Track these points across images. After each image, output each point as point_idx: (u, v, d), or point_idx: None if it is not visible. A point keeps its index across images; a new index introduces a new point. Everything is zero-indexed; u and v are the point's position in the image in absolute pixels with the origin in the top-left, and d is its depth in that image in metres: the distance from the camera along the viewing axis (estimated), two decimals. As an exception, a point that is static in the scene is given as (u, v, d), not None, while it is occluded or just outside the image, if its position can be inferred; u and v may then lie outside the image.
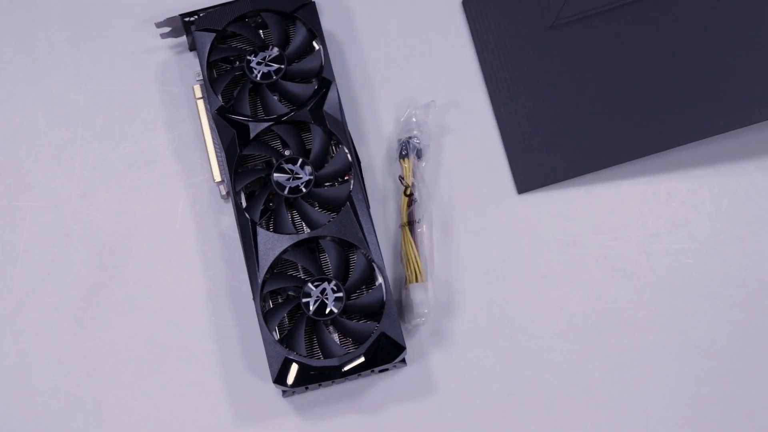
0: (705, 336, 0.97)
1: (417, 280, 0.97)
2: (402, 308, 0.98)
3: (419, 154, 1.01)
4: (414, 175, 1.00)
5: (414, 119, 1.02)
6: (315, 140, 0.99)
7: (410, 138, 1.01)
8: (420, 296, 0.96)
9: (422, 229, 0.99)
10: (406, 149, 1.01)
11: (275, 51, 1.01)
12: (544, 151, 1.01)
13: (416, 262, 0.98)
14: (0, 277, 1.01)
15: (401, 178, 1.00)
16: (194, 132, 1.04)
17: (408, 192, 1.00)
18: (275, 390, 0.96)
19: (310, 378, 0.93)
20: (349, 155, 0.99)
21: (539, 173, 1.01)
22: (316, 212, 0.97)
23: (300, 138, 0.99)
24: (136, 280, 1.00)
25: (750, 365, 0.96)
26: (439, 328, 0.98)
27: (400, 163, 1.01)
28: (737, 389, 0.96)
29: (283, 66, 1.00)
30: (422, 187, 1.00)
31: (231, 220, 1.01)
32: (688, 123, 0.97)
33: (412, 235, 0.99)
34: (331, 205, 0.98)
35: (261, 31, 1.04)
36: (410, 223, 0.99)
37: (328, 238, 0.96)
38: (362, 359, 0.93)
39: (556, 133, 1.01)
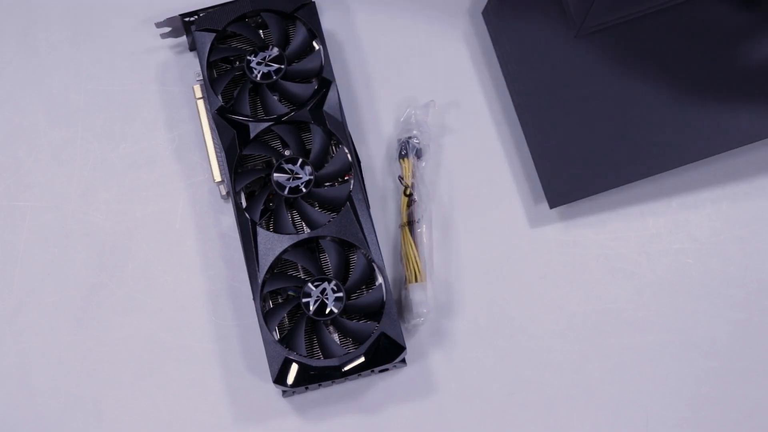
0: (705, 336, 0.97)
1: (416, 280, 0.97)
2: (401, 308, 0.98)
3: (419, 154, 1.01)
4: (414, 175, 1.00)
5: (414, 119, 1.02)
6: (315, 140, 0.99)
7: (410, 138, 1.01)
8: (419, 296, 0.96)
9: (422, 229, 0.99)
10: (406, 149, 1.01)
11: (275, 51, 1.01)
12: (576, 164, 0.99)
13: (416, 262, 0.98)
14: (0, 277, 1.01)
15: (401, 178, 1.00)
16: (194, 132, 1.04)
17: (408, 192, 1.00)
18: (275, 390, 0.96)
19: (310, 378, 0.93)
20: (349, 155, 0.99)
21: (571, 187, 0.99)
22: (316, 212, 0.97)
23: (300, 138, 0.99)
24: (136, 280, 1.00)
25: (750, 365, 0.96)
26: (439, 328, 0.98)
27: (400, 163, 1.01)
28: (737, 389, 0.96)
29: (283, 66, 1.00)
30: (422, 187, 1.00)
31: (231, 220, 1.01)
32: (720, 132, 0.96)
33: (411, 235, 0.99)
34: (331, 205, 0.98)
35: (261, 31, 1.04)
36: (410, 223, 0.99)
37: (328, 238, 0.96)
38: (362, 359, 0.93)
39: (587, 146, 0.99)
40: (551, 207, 0.99)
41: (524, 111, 1.02)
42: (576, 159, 1.00)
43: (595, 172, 0.99)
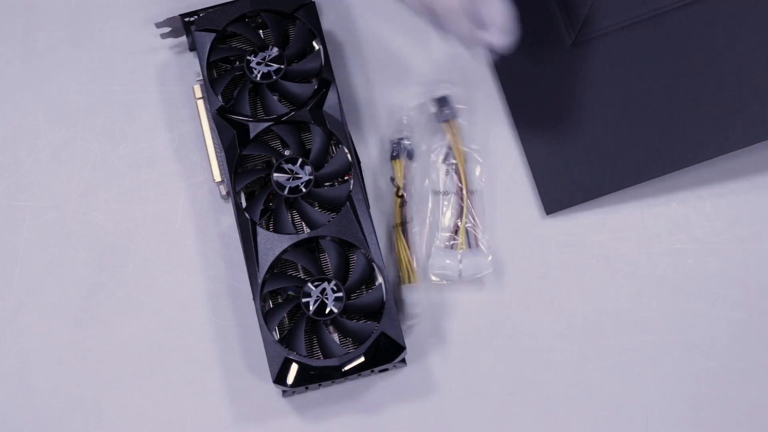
0: (705, 336, 0.97)
1: (409, 281, 0.97)
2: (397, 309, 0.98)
3: (410, 155, 1.01)
4: (405, 176, 1.01)
5: (405, 120, 1.02)
6: (315, 140, 0.99)
7: (401, 139, 1.02)
8: (412, 297, 0.97)
9: (416, 228, 0.99)
10: (397, 150, 1.01)
11: (275, 51, 1.01)
12: (571, 171, 1.00)
13: (408, 263, 0.98)
14: (0, 277, 1.01)
15: (392, 179, 1.01)
16: (194, 132, 1.04)
17: (400, 193, 1.00)
18: (275, 390, 0.96)
19: (310, 378, 0.93)
20: (349, 155, 0.99)
21: (567, 194, 1.00)
22: (316, 212, 0.97)
23: (300, 138, 0.99)
24: (136, 280, 1.00)
25: (750, 365, 0.96)
26: (438, 328, 0.98)
27: (392, 165, 1.01)
28: (737, 389, 0.96)
29: (282, 66, 1.00)
30: (413, 188, 1.01)
31: (231, 220, 1.01)
32: (716, 136, 0.96)
33: (404, 236, 0.99)
34: (331, 205, 0.98)
35: (261, 31, 1.04)
36: (402, 224, 0.99)
37: (328, 238, 0.96)
38: (362, 359, 0.93)
39: (583, 152, 1.00)
40: (548, 213, 1.00)
41: (521, 118, 1.02)
42: (571, 165, 1.00)
43: (590, 178, 0.99)
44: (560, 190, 1.00)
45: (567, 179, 1.00)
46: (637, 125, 0.99)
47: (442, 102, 1.02)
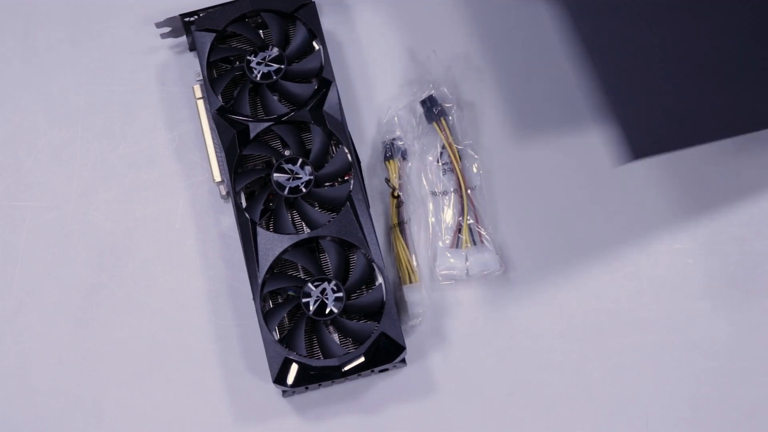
0: (705, 336, 0.97)
1: (410, 281, 0.97)
2: (399, 309, 0.98)
3: (404, 156, 1.01)
4: (400, 177, 1.01)
5: (396, 120, 1.02)
6: (315, 140, 0.99)
7: (394, 140, 1.01)
8: (414, 297, 0.97)
9: (415, 228, 1.00)
10: (391, 151, 1.01)
11: (275, 51, 1.01)
12: (660, 117, 0.93)
13: (408, 263, 0.98)
14: (0, 277, 1.01)
15: (387, 180, 1.01)
16: (194, 132, 1.04)
17: (395, 194, 1.00)
18: (275, 390, 0.96)
19: (310, 378, 0.93)
20: (349, 155, 0.99)
21: (652, 141, 0.91)
22: (316, 212, 0.97)
23: (300, 138, 0.99)
24: (136, 280, 1.00)
25: (750, 365, 0.96)
26: (438, 328, 0.98)
27: (386, 165, 1.01)
28: (737, 389, 0.96)
29: (283, 66, 1.00)
30: (409, 188, 1.01)
31: (231, 220, 1.01)
32: None
33: (402, 236, 0.99)
34: (331, 205, 0.98)
35: (261, 31, 1.04)
36: (399, 224, 0.99)
37: (328, 238, 0.96)
38: (362, 359, 0.93)
39: (670, 101, 0.93)
40: (635, 158, 0.90)
41: (601, 62, 0.93)
42: (661, 112, 0.93)
43: (677, 128, 0.93)
44: (646, 136, 0.92)
45: (654, 125, 0.92)
46: (730, 77, 0.94)
47: (430, 102, 1.02)
